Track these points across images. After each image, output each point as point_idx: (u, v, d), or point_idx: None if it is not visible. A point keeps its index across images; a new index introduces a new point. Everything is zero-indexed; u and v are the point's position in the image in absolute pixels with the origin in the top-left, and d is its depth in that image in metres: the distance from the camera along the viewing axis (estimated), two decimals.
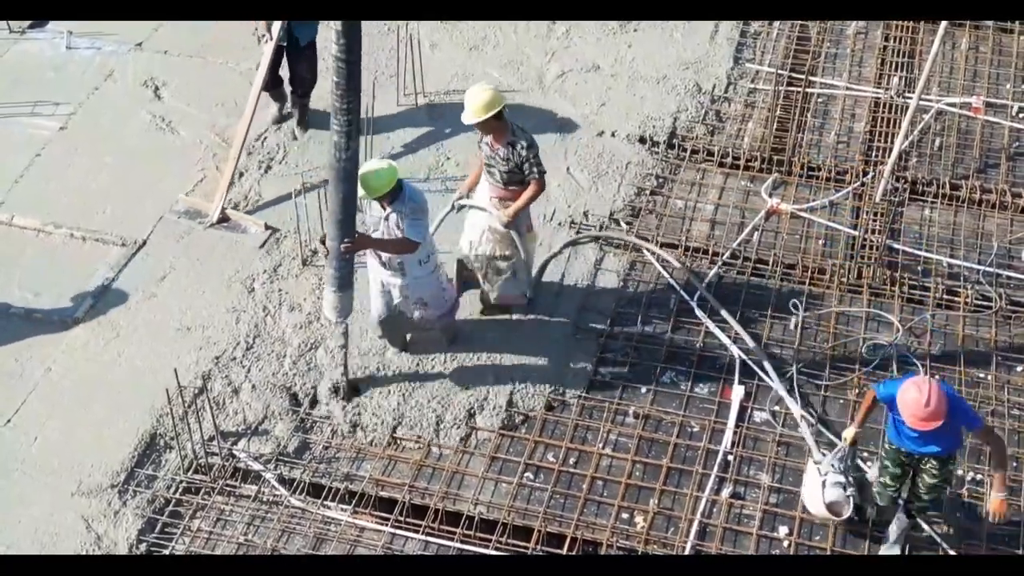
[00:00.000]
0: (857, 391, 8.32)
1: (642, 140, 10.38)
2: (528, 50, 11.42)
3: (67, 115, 10.69)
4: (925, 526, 7.51)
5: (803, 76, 10.53)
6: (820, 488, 7.29)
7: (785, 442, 8.06)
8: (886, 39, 11.49)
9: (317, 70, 10.27)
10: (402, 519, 7.58)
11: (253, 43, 11.06)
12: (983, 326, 8.84)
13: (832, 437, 8.00)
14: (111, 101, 10.88)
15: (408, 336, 8.55)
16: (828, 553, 7.43)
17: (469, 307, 8.82)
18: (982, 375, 8.49)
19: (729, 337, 8.66)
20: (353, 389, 8.33)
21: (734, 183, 10.06)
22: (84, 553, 7.44)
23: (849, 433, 7.31)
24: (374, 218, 7.81)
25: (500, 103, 7.85)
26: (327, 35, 6.94)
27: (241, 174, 10.03)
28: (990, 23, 11.62)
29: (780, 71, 10.90)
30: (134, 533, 7.57)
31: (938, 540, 7.48)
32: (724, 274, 9.22)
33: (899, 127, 9.83)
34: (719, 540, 7.53)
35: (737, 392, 8.30)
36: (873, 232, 9.40)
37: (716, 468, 7.87)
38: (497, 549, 7.41)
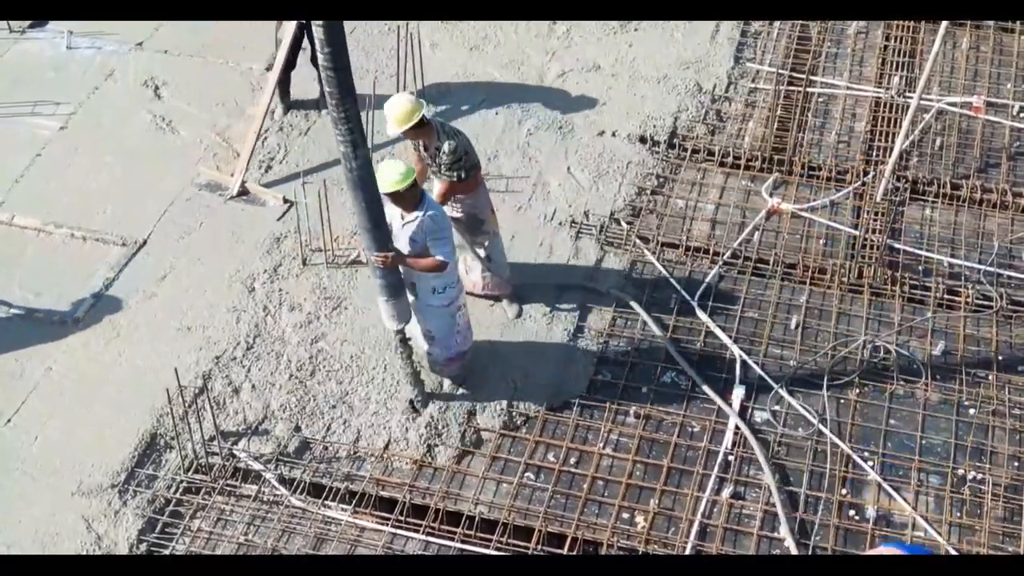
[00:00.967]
0: (857, 391, 8.33)
1: (643, 140, 10.38)
2: (529, 50, 11.42)
3: (67, 115, 10.69)
4: (927, 526, 7.51)
5: (804, 76, 10.53)
6: None
7: (785, 442, 8.07)
8: (887, 39, 11.48)
9: None
10: (402, 519, 7.58)
11: (253, 43, 11.10)
12: (984, 326, 8.84)
13: (834, 439, 8.01)
14: (111, 101, 10.88)
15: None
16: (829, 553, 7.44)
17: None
18: (983, 374, 8.49)
19: (730, 337, 8.67)
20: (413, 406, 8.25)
21: (735, 183, 10.05)
22: (84, 553, 7.44)
23: None
24: (395, 228, 7.61)
25: (417, 113, 7.90)
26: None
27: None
28: (991, 22, 11.62)
29: (781, 71, 10.90)
30: (134, 533, 7.57)
31: (940, 540, 7.49)
32: (725, 274, 9.22)
33: (900, 127, 9.82)
34: (720, 540, 7.53)
35: (737, 393, 8.29)
36: (874, 232, 9.40)
37: (717, 468, 7.87)
38: (498, 549, 7.40)
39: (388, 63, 11.06)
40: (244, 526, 7.63)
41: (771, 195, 9.81)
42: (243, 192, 9.92)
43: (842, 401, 8.31)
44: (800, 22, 11.66)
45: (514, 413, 8.25)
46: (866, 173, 10.00)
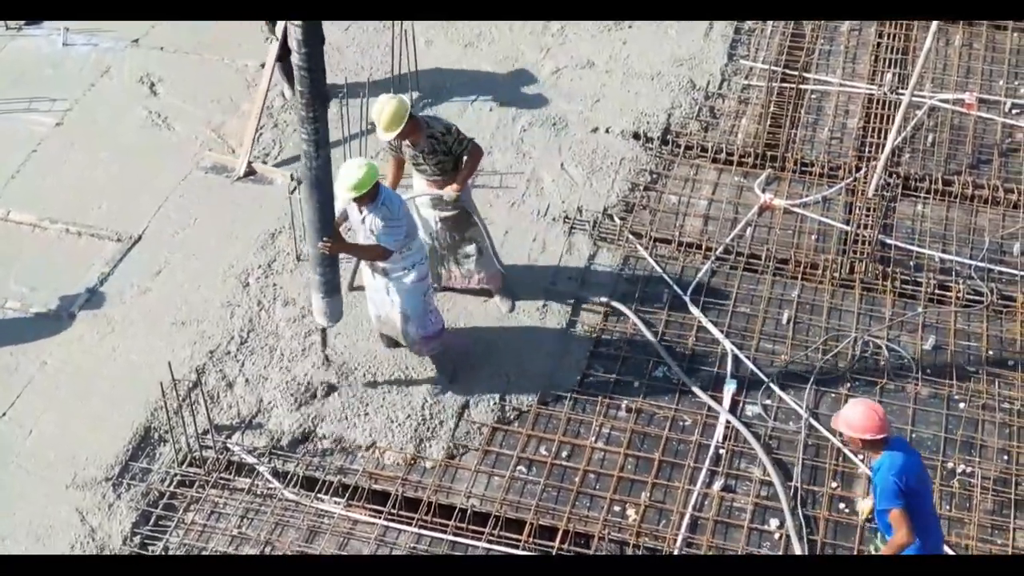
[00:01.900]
0: (848, 385, 8.37)
1: (636, 136, 10.42)
2: (523, 47, 11.46)
3: (63, 111, 10.73)
4: None
5: (797, 72, 10.57)
6: None
7: (776, 436, 8.11)
8: (880, 36, 11.52)
9: None
10: (395, 512, 7.62)
11: (249, 40, 11.12)
12: (975, 321, 8.88)
13: (824, 431, 8.05)
14: (107, 97, 10.92)
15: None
16: (818, 542, 7.48)
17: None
18: (973, 369, 8.52)
19: (721, 331, 8.71)
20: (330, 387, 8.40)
21: (728, 179, 10.09)
22: (78, 545, 7.47)
23: (864, 506, 7.09)
24: (355, 221, 7.80)
25: (406, 110, 7.92)
26: None
27: None
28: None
29: (774, 67, 10.95)
30: (128, 526, 7.60)
31: None
32: (717, 269, 9.26)
33: (892, 123, 9.86)
34: (710, 533, 7.57)
35: (729, 387, 8.33)
36: (866, 227, 9.44)
37: (708, 462, 7.91)
38: (489, 542, 7.44)
39: (383, 60, 11.09)
40: (238, 519, 7.66)
41: (764, 191, 9.85)
42: (250, 172, 10.02)
43: (833, 395, 8.35)
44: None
45: (507, 407, 8.29)
46: (858, 169, 10.04)
